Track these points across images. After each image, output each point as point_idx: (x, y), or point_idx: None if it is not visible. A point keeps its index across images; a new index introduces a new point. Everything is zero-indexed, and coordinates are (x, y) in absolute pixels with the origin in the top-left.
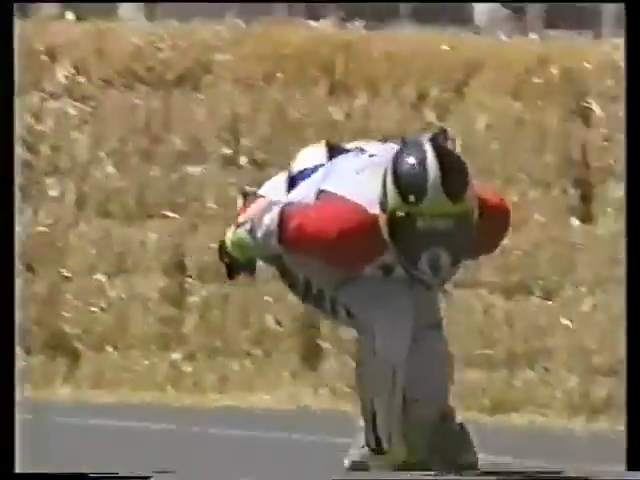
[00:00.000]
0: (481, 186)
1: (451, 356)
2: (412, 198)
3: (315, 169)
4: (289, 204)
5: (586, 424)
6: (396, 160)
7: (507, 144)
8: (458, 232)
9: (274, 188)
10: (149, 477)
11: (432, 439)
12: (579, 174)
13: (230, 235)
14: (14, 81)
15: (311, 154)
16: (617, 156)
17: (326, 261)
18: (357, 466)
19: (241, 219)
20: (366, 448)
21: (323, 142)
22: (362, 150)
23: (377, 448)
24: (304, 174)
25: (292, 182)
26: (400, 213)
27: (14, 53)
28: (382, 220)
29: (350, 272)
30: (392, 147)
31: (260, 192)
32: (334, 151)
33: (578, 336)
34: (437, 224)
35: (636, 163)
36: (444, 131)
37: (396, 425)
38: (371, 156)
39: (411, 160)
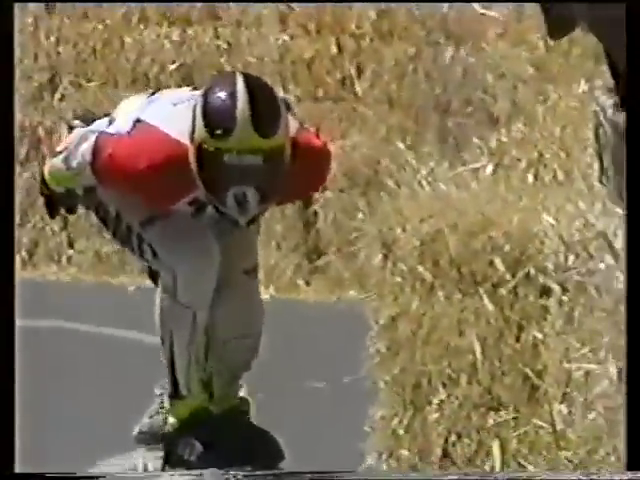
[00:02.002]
0: (301, 127)
1: (261, 301)
2: (219, 132)
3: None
4: (105, 133)
5: None
6: (206, 92)
7: None
8: (267, 169)
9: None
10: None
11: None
12: None
13: (47, 166)
14: (14, 81)
15: (133, 102)
16: None
17: (135, 194)
18: (142, 436)
19: (58, 148)
20: (155, 417)
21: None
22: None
23: (174, 393)
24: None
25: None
26: (207, 147)
27: (14, 53)
28: (191, 153)
29: (160, 207)
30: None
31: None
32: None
33: None
34: (245, 159)
35: (636, 162)
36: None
37: (195, 371)
38: (193, 89)
39: (220, 93)
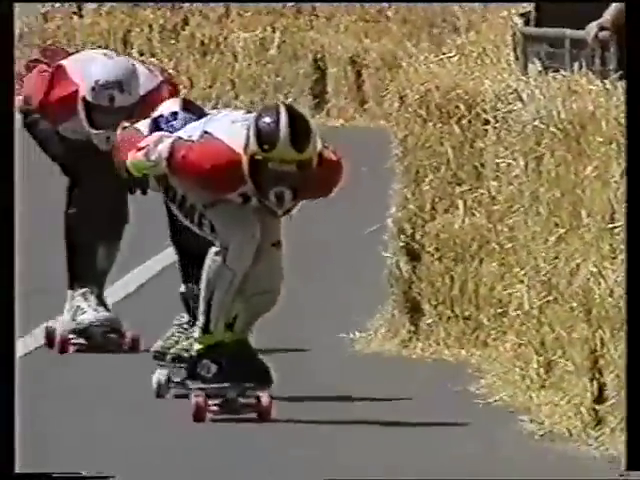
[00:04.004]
0: (324, 146)
1: (282, 267)
2: (266, 146)
3: (173, 115)
4: (179, 139)
5: None
6: (257, 118)
7: None
8: (299, 175)
9: (143, 125)
10: None
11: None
12: None
13: (130, 157)
14: (14, 80)
15: (167, 104)
16: None
17: (200, 185)
18: (157, 355)
19: (140, 145)
20: (167, 341)
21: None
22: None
23: (204, 328)
24: (162, 118)
25: (154, 123)
26: (257, 157)
27: (14, 53)
28: (244, 161)
29: (217, 195)
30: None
31: (136, 127)
32: (187, 104)
33: None
34: (284, 167)
35: (636, 161)
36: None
37: (224, 315)
38: (245, 113)
39: (268, 118)
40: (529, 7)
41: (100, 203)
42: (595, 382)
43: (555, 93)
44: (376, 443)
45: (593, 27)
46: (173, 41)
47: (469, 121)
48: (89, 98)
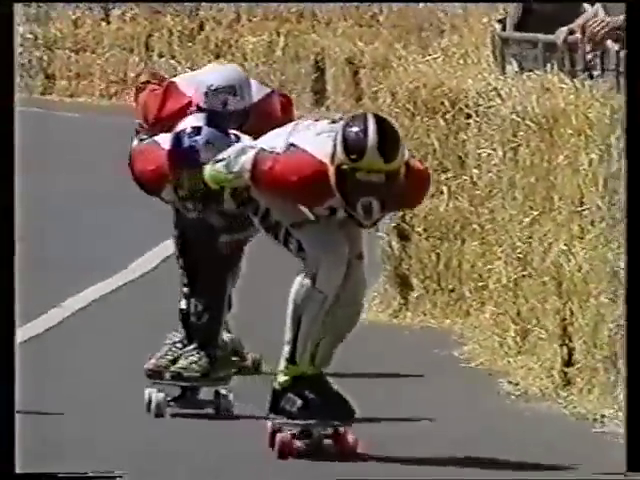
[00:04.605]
0: (411, 156)
1: (365, 278)
2: (354, 156)
3: (196, 130)
4: (262, 150)
5: None
6: (345, 127)
7: None
8: (387, 185)
9: (163, 139)
10: None
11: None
12: None
13: (209, 168)
14: (14, 80)
15: (190, 119)
16: None
17: (287, 197)
18: (151, 373)
19: (219, 157)
20: (160, 360)
21: None
22: (322, 119)
23: (290, 358)
24: (185, 132)
25: (176, 137)
26: (344, 167)
27: (14, 53)
28: (331, 171)
29: (305, 207)
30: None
31: (155, 139)
32: (212, 119)
33: None
34: (372, 177)
35: (636, 163)
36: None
37: (311, 344)
38: (330, 123)
39: (356, 127)
40: (511, 10)
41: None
42: (565, 348)
43: (530, 91)
44: (369, 397)
45: (563, 31)
46: (190, 44)
47: (453, 115)
48: (203, 105)
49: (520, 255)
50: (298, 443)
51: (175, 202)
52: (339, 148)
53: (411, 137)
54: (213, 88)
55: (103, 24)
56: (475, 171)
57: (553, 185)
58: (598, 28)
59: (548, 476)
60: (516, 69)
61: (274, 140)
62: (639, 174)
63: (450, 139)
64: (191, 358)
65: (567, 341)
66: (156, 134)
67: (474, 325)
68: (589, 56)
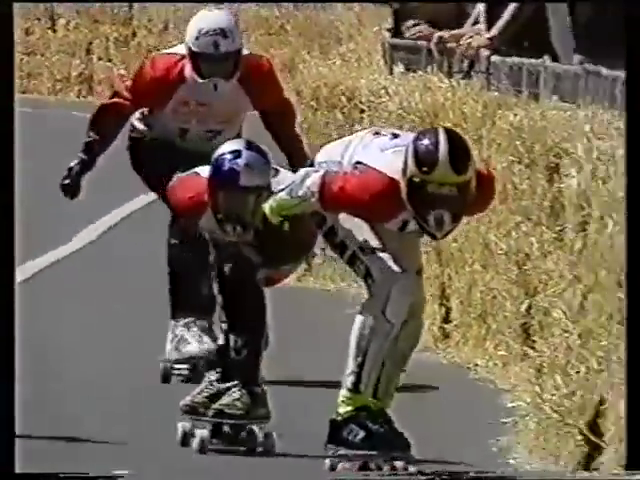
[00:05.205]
0: (478, 165)
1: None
2: (425, 169)
3: (235, 153)
4: (330, 171)
5: None
6: (415, 140)
7: None
8: (459, 197)
9: (202, 170)
10: None
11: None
12: None
13: (270, 202)
14: (14, 80)
15: (228, 144)
16: None
17: (360, 215)
18: (189, 409)
19: (280, 187)
20: (199, 397)
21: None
22: (381, 134)
23: (354, 388)
24: (224, 156)
25: (215, 162)
26: (415, 179)
27: (14, 53)
28: (402, 185)
29: (378, 222)
30: (408, 134)
31: (195, 171)
32: (251, 143)
33: None
34: (443, 190)
35: (636, 164)
36: None
37: (375, 374)
38: (392, 139)
39: (427, 141)
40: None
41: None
42: (443, 307)
43: (413, 89)
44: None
45: (434, 37)
46: (124, 49)
47: (349, 110)
48: (194, 48)
49: None
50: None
51: (214, 229)
52: (410, 161)
53: (314, 129)
54: (204, 31)
55: (50, 32)
56: None
57: None
58: (474, 43)
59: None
60: (402, 70)
61: (335, 160)
62: (639, 174)
63: (346, 130)
64: (234, 395)
65: (445, 301)
66: (149, 104)
67: None
68: (465, 61)
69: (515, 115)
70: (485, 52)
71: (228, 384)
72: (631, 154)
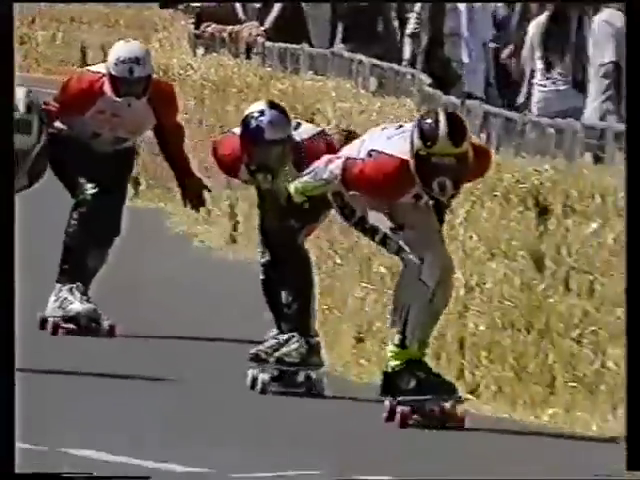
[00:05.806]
0: (475, 140)
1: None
2: (429, 143)
3: (260, 112)
4: (350, 158)
5: None
6: (420, 120)
7: None
8: (458, 166)
9: (236, 129)
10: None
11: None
12: None
13: (295, 183)
14: (14, 80)
15: (254, 105)
16: None
17: (378, 192)
18: (255, 357)
19: (305, 172)
20: (263, 346)
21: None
22: (388, 127)
23: (401, 344)
24: (251, 116)
25: (243, 122)
26: (421, 152)
27: (14, 53)
28: (411, 161)
29: (394, 199)
30: (410, 124)
31: (232, 130)
32: (274, 103)
33: None
34: (444, 160)
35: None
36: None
37: (418, 330)
38: (397, 128)
39: (429, 120)
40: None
41: (98, 215)
42: None
43: (210, 66)
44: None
45: (227, 30)
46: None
47: (173, 79)
48: (113, 72)
49: None
50: (415, 415)
51: (249, 180)
52: (416, 137)
53: None
54: (121, 59)
55: None
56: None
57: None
58: (254, 33)
59: None
60: (202, 53)
61: (353, 151)
62: (639, 174)
63: None
64: (292, 346)
65: None
66: (68, 112)
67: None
68: (246, 46)
69: (282, 84)
70: (261, 39)
71: (287, 335)
72: (631, 154)
